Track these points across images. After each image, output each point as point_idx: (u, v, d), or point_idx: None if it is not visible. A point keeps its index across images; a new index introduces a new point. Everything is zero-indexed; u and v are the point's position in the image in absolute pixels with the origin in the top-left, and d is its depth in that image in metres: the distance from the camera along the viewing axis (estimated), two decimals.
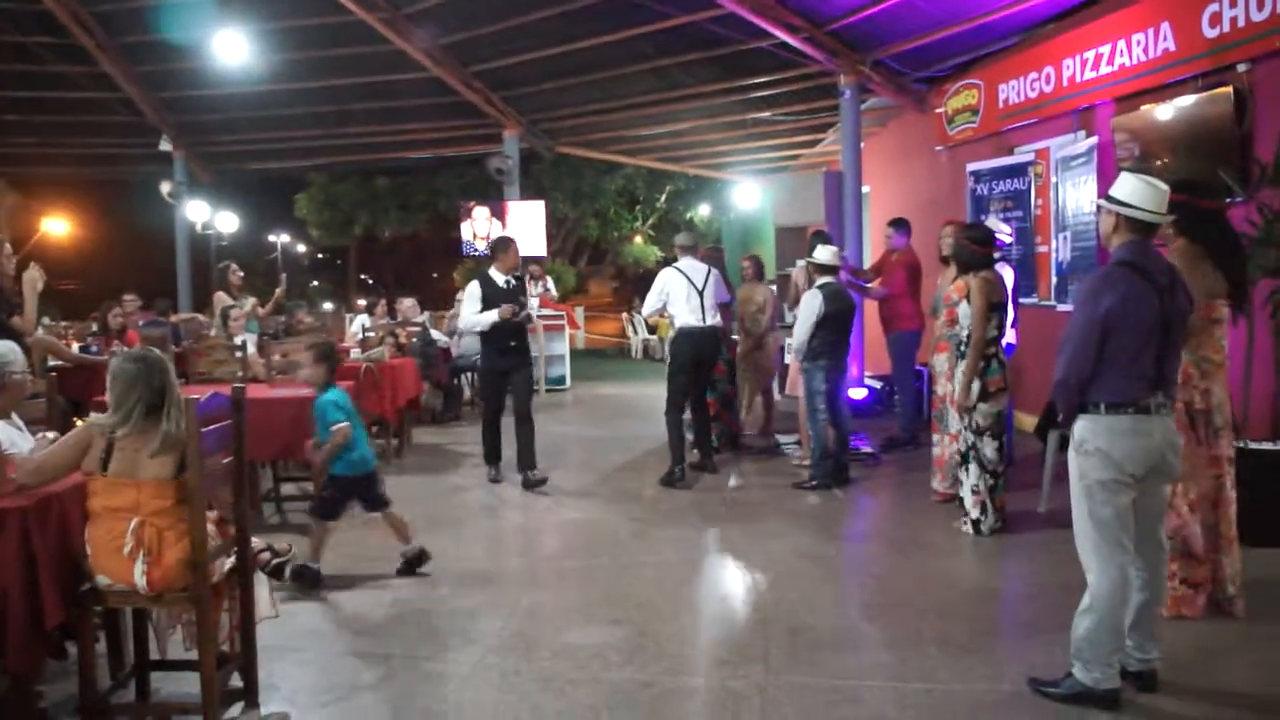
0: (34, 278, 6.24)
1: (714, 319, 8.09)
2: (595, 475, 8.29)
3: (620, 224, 27.20)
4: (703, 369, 8.14)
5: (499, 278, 7.93)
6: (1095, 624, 3.67)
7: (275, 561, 3.90)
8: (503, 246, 8.16)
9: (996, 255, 6.73)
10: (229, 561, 3.70)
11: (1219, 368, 4.56)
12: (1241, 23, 6.65)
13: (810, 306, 7.47)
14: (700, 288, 7.98)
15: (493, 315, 7.65)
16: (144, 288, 12.15)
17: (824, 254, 7.65)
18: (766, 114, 14.35)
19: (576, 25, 12.90)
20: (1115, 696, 3.67)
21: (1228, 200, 5.88)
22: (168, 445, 3.43)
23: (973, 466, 6.20)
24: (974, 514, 6.20)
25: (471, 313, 7.89)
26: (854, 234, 11.14)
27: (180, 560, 3.42)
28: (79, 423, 3.68)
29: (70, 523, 3.53)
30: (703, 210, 26.37)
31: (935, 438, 7.16)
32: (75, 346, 8.69)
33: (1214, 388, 4.54)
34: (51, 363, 7.74)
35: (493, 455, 8.13)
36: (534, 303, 14.60)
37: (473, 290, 7.95)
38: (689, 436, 8.28)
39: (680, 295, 7.98)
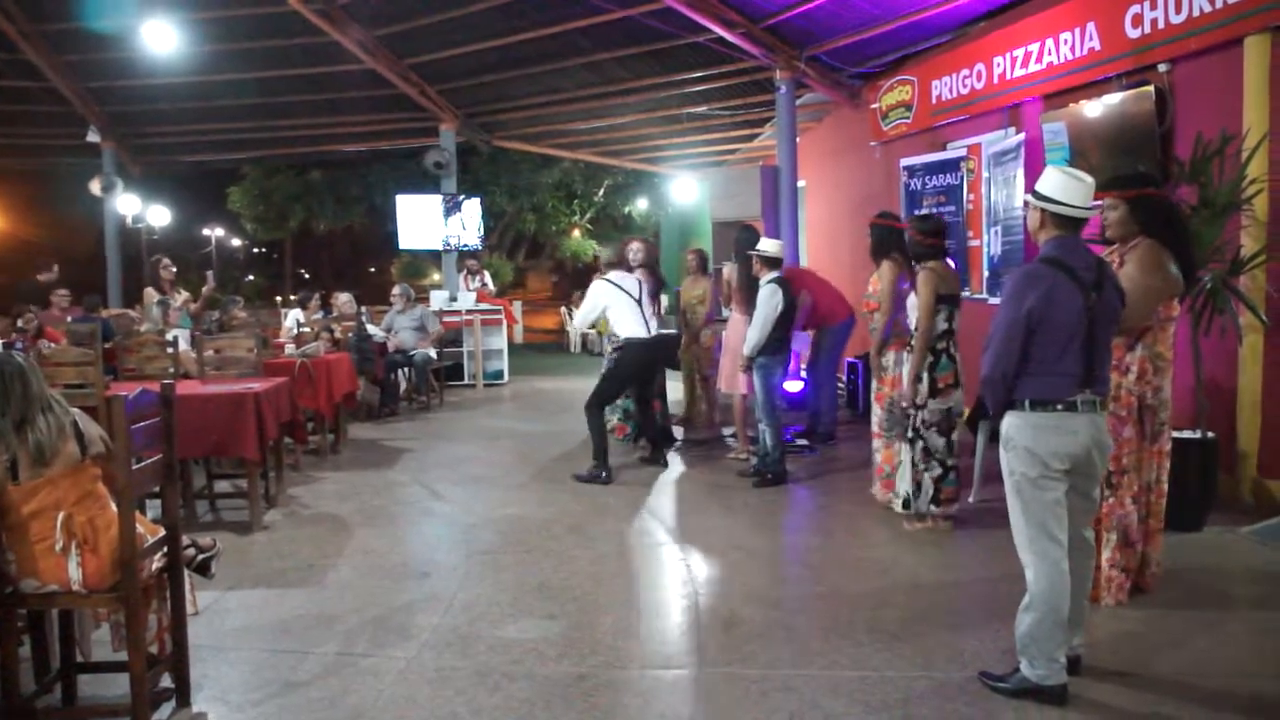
0: None
1: (658, 326, 8.22)
2: (532, 469, 8.27)
3: (558, 218, 27.02)
4: (651, 372, 8.35)
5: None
6: (1037, 620, 3.66)
7: (200, 558, 3.84)
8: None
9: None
10: (158, 560, 3.64)
11: (1170, 364, 4.61)
12: (1161, 24, 6.83)
13: (772, 302, 7.33)
14: (638, 297, 7.96)
15: None
16: (72, 282, 11.85)
17: (771, 245, 7.64)
18: (703, 108, 14.43)
19: (514, 19, 12.89)
20: (1062, 692, 3.65)
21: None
22: (42, 456, 3.29)
23: (916, 449, 5.99)
24: (904, 488, 6.07)
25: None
26: (790, 228, 11.25)
27: (115, 549, 3.35)
28: None
29: None
30: (641, 204, 26.36)
31: (876, 444, 6.86)
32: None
33: (1164, 384, 4.58)
34: None
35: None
36: (471, 297, 14.60)
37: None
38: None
39: (622, 308, 7.94)
